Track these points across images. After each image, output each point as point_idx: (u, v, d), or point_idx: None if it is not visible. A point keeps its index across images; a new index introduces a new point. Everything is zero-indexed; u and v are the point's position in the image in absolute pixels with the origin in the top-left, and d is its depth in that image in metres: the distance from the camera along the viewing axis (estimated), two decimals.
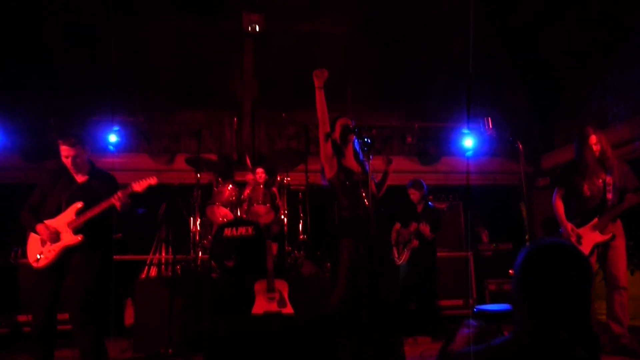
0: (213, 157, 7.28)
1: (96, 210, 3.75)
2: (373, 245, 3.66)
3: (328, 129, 3.85)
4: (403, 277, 5.96)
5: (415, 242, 5.87)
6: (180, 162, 6.97)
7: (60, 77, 7.08)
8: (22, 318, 5.60)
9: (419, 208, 6.12)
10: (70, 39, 6.84)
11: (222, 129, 7.66)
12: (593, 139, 4.49)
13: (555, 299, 1.30)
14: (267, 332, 2.90)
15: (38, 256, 3.73)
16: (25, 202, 3.92)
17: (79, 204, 3.79)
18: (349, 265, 3.64)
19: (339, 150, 3.91)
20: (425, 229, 5.84)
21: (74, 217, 3.76)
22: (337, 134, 3.91)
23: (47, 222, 3.77)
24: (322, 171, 3.95)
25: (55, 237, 3.72)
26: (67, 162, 3.83)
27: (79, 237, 3.72)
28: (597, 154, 4.49)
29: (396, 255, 5.99)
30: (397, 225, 6.13)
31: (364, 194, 3.77)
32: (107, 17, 6.52)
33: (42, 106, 7.04)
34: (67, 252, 3.74)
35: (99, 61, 7.05)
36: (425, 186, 6.16)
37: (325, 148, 3.84)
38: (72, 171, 3.89)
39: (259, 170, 5.96)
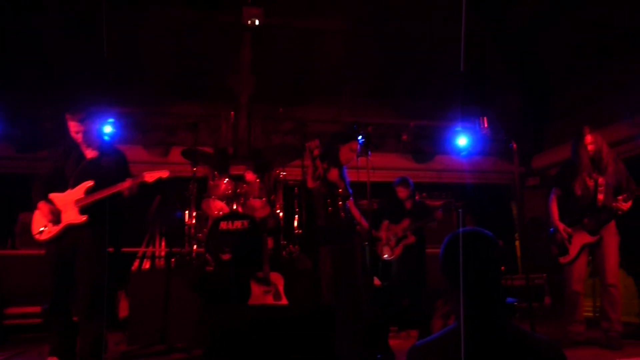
0: (209, 150, 7.25)
1: (105, 192, 3.67)
2: (348, 252, 4.02)
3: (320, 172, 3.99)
4: (395, 273, 6.01)
5: (412, 238, 5.92)
6: (175, 155, 6.93)
7: (55, 67, 7.01)
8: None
9: (408, 205, 6.18)
10: (65, 29, 6.78)
11: (219, 122, 7.63)
12: (588, 138, 4.53)
13: (470, 273, 1.59)
14: (266, 322, 2.93)
15: (42, 229, 3.67)
16: (16, 191, 3.87)
17: (90, 183, 3.71)
18: (328, 271, 3.94)
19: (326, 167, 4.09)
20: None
21: (82, 195, 3.69)
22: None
23: (54, 196, 3.71)
24: (306, 178, 4.13)
25: (55, 217, 3.65)
26: (78, 137, 3.74)
27: (84, 217, 3.66)
28: (592, 153, 4.54)
29: (388, 252, 6.03)
30: (385, 223, 6.17)
31: (340, 205, 4.06)
32: (104, 7, 6.47)
33: (36, 96, 6.96)
34: (71, 230, 3.67)
35: (95, 52, 7.00)
36: (412, 183, 6.21)
37: (314, 173, 3.98)
38: (82, 146, 3.81)
39: (248, 173, 5.95)
